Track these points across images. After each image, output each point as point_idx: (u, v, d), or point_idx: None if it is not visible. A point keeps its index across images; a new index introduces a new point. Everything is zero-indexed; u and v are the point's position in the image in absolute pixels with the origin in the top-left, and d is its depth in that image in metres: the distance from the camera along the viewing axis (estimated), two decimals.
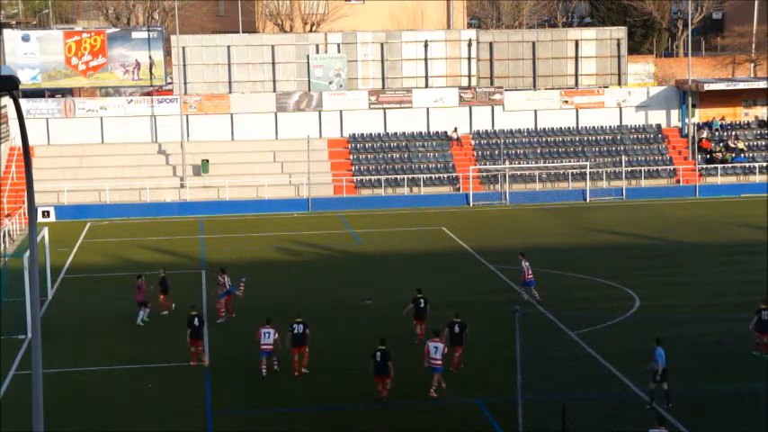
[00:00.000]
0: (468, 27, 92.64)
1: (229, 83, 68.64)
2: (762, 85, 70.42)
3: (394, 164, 66.97)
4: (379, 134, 68.61)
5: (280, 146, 67.43)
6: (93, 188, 63.44)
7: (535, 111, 69.63)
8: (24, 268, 34.92)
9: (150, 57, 67.51)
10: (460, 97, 69.02)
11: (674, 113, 70.49)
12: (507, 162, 66.18)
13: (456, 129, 68.30)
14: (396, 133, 68.71)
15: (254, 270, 46.02)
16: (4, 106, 64.51)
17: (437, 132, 68.84)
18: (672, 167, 67.61)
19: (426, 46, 69.92)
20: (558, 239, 53.02)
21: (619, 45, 71.07)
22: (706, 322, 35.78)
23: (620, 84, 70.91)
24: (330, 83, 68.88)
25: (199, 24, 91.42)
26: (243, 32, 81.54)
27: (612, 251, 49.83)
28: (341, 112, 68.41)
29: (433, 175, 66.03)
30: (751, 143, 69.82)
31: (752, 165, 67.77)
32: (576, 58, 70.76)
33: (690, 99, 68.83)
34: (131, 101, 67.83)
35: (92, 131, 66.84)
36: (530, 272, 39.40)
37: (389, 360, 29.01)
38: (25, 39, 67.12)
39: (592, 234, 54.60)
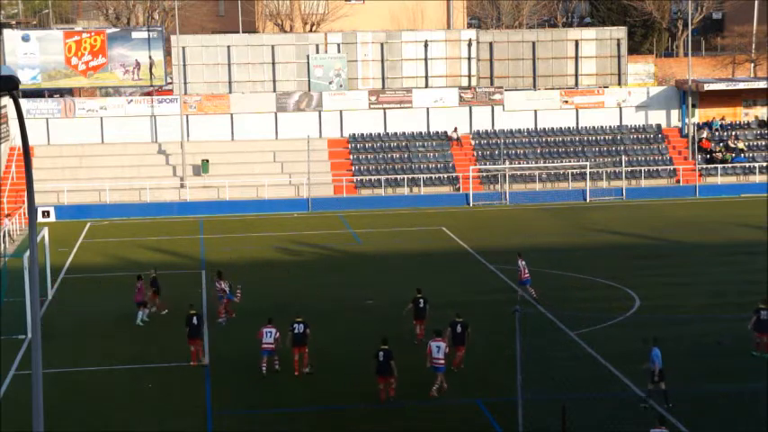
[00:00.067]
0: (468, 27, 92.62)
1: (229, 83, 68.63)
2: (762, 85, 70.40)
3: (394, 164, 66.96)
4: (379, 134, 68.60)
5: (280, 146, 67.41)
6: (93, 188, 63.43)
7: (535, 111, 69.62)
8: (24, 268, 34.90)
9: (150, 57, 67.50)
10: (460, 97, 69.00)
11: (674, 113, 70.48)
12: (507, 162, 66.17)
13: (456, 129, 68.28)
14: (396, 133, 68.70)
15: (254, 270, 46.06)
16: (4, 106, 64.51)
17: (437, 132, 68.83)
18: (672, 167, 67.60)
19: (426, 46, 69.91)
20: (558, 239, 53.02)
21: (619, 45, 71.05)
22: (706, 322, 35.77)
23: (620, 84, 70.90)
24: (330, 83, 68.87)
25: (199, 24, 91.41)
26: (243, 32, 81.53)
27: (612, 251, 49.83)
28: (341, 112, 68.40)
29: (433, 175, 66.02)
30: (751, 143, 69.81)
31: (752, 165, 67.77)
32: (576, 58, 70.75)
33: (690, 99, 68.81)
34: (131, 101, 67.82)
35: (92, 131, 66.84)
36: (526, 271, 39.54)
37: (392, 360, 29.01)
38: (25, 39, 67.10)
39: (592, 234, 54.60)
